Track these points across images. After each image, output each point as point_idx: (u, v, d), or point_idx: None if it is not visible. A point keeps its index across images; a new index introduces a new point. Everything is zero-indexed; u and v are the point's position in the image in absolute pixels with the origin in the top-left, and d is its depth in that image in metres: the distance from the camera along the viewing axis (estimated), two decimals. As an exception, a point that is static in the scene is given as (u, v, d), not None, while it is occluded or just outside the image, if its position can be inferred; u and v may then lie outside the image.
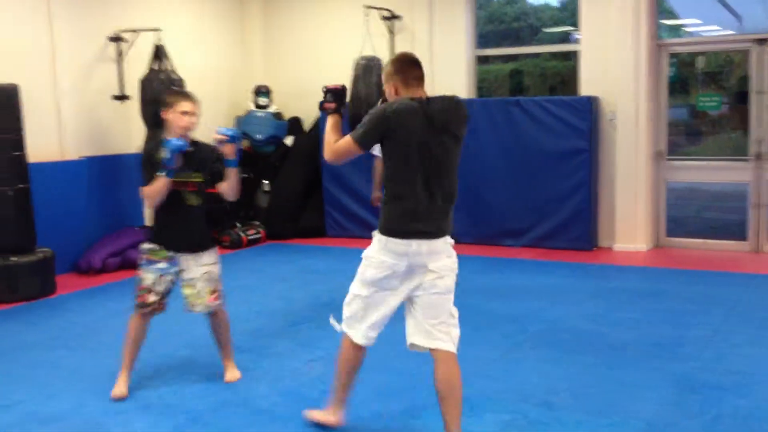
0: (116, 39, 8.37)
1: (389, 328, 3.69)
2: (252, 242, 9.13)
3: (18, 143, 6.77)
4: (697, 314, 5.85)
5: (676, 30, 9.29)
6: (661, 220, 8.59)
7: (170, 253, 4.42)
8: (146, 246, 4.46)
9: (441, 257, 3.58)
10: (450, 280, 3.60)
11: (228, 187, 4.44)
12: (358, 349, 3.72)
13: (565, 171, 8.32)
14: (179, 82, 7.98)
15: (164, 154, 4.18)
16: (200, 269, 4.45)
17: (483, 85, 9.64)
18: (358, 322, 3.67)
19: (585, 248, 8.33)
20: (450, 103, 3.62)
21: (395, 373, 4.64)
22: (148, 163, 4.33)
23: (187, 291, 4.47)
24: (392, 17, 9.33)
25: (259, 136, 9.38)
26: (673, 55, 8.57)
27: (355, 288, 3.68)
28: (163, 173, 4.21)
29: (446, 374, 3.53)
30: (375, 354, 3.88)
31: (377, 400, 4.26)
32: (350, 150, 3.62)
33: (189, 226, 4.44)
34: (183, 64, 8.49)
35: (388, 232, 3.56)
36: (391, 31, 9.37)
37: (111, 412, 4.19)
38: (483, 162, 8.62)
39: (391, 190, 3.58)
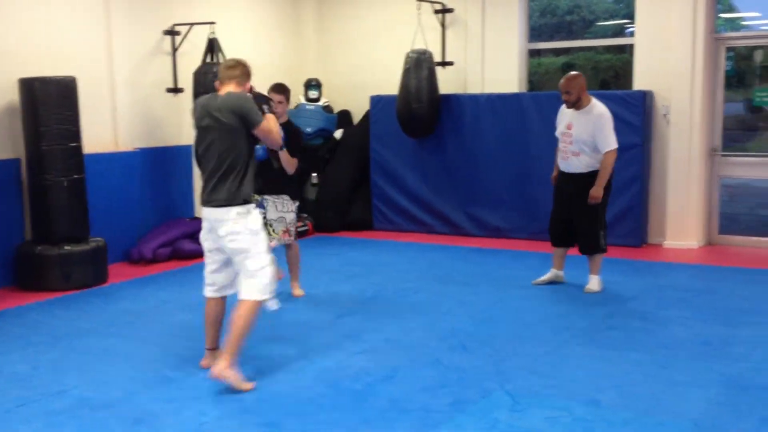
0: (171, 32, 8.50)
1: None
2: (300, 234, 9.12)
3: (75, 134, 6.91)
4: (749, 313, 5.75)
5: (733, 23, 9.10)
6: (714, 217, 8.44)
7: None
8: None
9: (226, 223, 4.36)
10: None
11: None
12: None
13: (616, 166, 8.14)
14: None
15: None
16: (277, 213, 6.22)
17: (534, 78, 9.57)
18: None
19: (634, 245, 8.21)
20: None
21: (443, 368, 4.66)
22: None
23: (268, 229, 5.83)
24: (444, 10, 9.31)
25: (308, 129, 9.42)
26: (729, 49, 8.40)
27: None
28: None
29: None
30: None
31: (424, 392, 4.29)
32: None
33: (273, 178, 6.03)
34: (236, 57, 8.56)
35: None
36: (443, 24, 9.35)
37: (161, 400, 4.27)
38: (533, 156, 8.54)
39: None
